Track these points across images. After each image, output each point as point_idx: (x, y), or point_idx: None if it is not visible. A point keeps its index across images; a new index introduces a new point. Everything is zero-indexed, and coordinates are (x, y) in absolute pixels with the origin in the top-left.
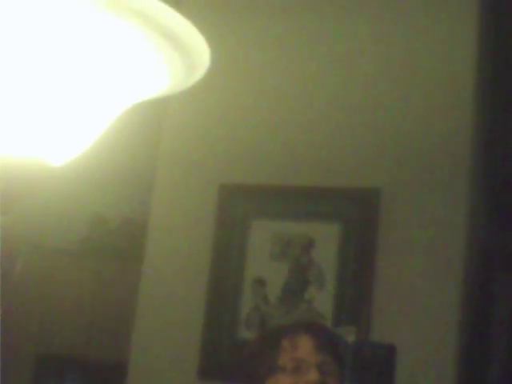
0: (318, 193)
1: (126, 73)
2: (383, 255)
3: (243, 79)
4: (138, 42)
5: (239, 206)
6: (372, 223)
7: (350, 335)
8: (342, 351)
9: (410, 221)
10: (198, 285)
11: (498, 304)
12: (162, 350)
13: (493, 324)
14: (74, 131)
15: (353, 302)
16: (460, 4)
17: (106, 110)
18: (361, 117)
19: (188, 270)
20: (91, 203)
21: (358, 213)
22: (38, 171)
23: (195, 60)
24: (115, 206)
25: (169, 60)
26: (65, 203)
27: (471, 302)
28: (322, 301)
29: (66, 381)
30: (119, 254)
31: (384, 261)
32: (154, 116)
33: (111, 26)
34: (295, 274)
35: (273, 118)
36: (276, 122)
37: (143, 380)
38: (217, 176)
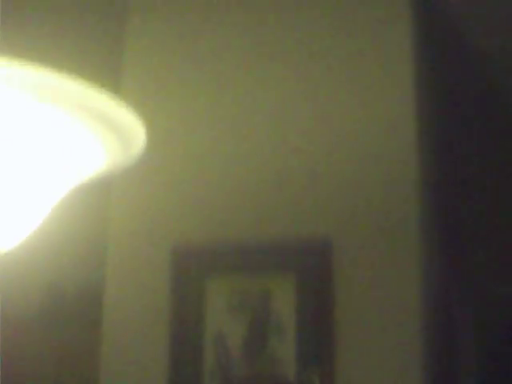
0: (270, 245)
1: (64, 156)
2: (341, 301)
3: (187, 145)
4: (72, 126)
5: (193, 266)
6: (326, 271)
7: (314, 380)
8: None
9: (364, 267)
10: (159, 346)
11: (461, 339)
12: None
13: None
14: (18, 216)
15: (314, 349)
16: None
17: (48, 192)
18: (310, 169)
19: (147, 331)
20: (47, 274)
21: (311, 262)
22: None
23: (131, 140)
24: (70, 275)
25: (104, 141)
26: (20, 275)
27: (435, 352)
28: (284, 349)
29: None
30: (78, 322)
31: (342, 306)
32: (103, 184)
33: (45, 112)
34: (255, 326)
35: (221, 175)
36: (225, 180)
37: None
38: (168, 238)
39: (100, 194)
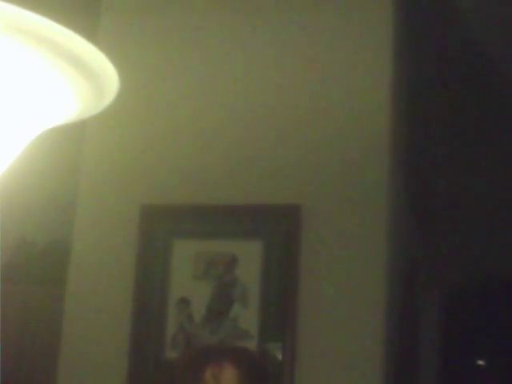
0: (239, 211)
1: (32, 99)
2: (306, 270)
3: (160, 100)
4: (41, 67)
5: (161, 226)
6: (293, 239)
7: (276, 351)
8: (266, 378)
9: (331, 235)
10: (122, 306)
11: (424, 316)
12: (89, 372)
13: (419, 336)
14: None
15: (278, 319)
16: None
17: (14, 137)
18: (279, 133)
19: (112, 290)
20: (15, 227)
21: (279, 230)
22: None
23: (102, 85)
24: (39, 230)
25: (75, 85)
26: None
27: (397, 318)
28: (247, 318)
29: None
30: (45, 278)
31: (307, 276)
32: (74, 138)
33: (14, 51)
34: (219, 293)
35: (192, 137)
36: (195, 142)
37: None
38: (138, 197)
39: (71, 146)
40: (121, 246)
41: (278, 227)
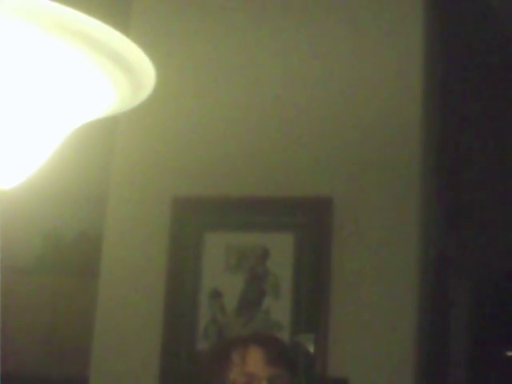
0: (270, 203)
1: (72, 94)
2: (338, 263)
3: (193, 94)
4: (82, 63)
5: (193, 218)
6: (325, 232)
7: (308, 343)
8: (294, 363)
9: (363, 228)
10: (155, 298)
11: (456, 307)
12: (122, 363)
13: (451, 327)
14: (21, 153)
15: (310, 311)
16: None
17: (53, 130)
18: (312, 127)
19: (144, 283)
20: (45, 220)
21: (311, 222)
22: None
23: (140, 79)
24: (69, 222)
25: (114, 80)
26: (19, 221)
27: (428, 309)
28: (279, 310)
29: None
30: (75, 270)
31: (340, 268)
32: (107, 131)
33: (56, 48)
34: (251, 285)
35: (225, 130)
36: (228, 135)
37: None
38: (170, 189)
39: (103, 139)
40: (153, 238)
41: (309, 220)
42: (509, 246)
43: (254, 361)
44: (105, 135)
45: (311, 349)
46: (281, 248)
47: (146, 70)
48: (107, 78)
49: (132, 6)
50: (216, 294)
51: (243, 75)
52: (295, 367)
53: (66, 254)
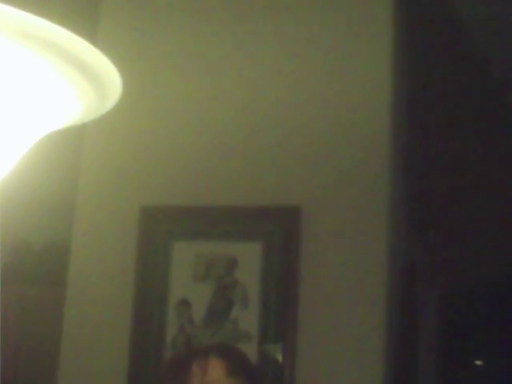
0: (238, 212)
1: (36, 103)
2: (307, 271)
3: (159, 103)
4: (46, 71)
5: (161, 227)
6: (293, 240)
7: (276, 353)
8: (256, 374)
9: (331, 237)
10: (122, 307)
11: (424, 317)
12: (89, 372)
13: (419, 337)
14: None
15: (278, 320)
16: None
17: (17, 140)
18: (278, 135)
19: (112, 292)
20: (13, 228)
21: (279, 231)
22: None
23: (106, 88)
24: (37, 231)
25: (79, 89)
26: None
27: (396, 318)
28: (248, 320)
29: None
30: (42, 279)
31: (308, 277)
32: (74, 140)
33: (18, 55)
34: (219, 295)
35: (191, 139)
36: (194, 143)
37: None
38: (137, 198)
39: (71, 148)
40: (120, 248)
41: (277, 228)
42: (478, 254)
43: (215, 372)
44: (72, 144)
45: (279, 359)
46: (249, 257)
47: (112, 79)
48: (72, 86)
49: (101, 13)
50: (184, 304)
51: (213, 82)
52: (256, 378)
53: (33, 263)
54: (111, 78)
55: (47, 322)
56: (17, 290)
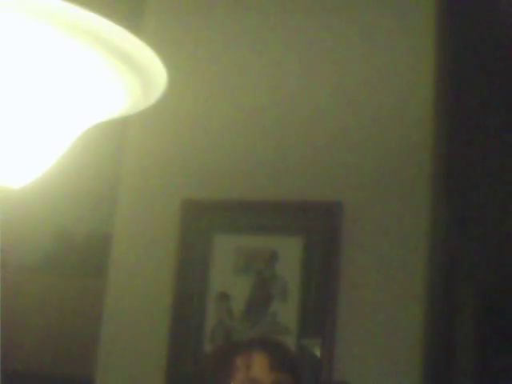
0: (280, 206)
1: (84, 94)
2: (347, 267)
3: (204, 96)
4: (94, 63)
5: (202, 220)
6: (335, 236)
7: (314, 347)
8: (299, 368)
9: (372, 232)
10: (162, 299)
11: (462, 313)
12: (128, 364)
13: (457, 333)
14: (32, 153)
15: (317, 314)
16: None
17: (64, 131)
18: (322, 131)
19: (152, 284)
20: (55, 219)
21: (320, 226)
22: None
23: (152, 81)
24: (79, 221)
25: (126, 81)
26: (28, 220)
27: (435, 313)
28: (286, 314)
29: None
30: (84, 269)
31: (348, 272)
32: (118, 131)
33: (67, 48)
34: (259, 288)
35: (234, 133)
36: (237, 137)
37: None
38: (179, 191)
39: (113, 139)
40: (161, 241)
41: (319, 224)
42: None
43: (258, 366)
44: (116, 136)
45: (317, 353)
46: (290, 251)
47: (158, 72)
48: (119, 79)
49: (146, 7)
50: (224, 297)
51: (256, 78)
52: (299, 372)
53: (75, 254)
54: (157, 71)
55: (87, 313)
56: (58, 279)
